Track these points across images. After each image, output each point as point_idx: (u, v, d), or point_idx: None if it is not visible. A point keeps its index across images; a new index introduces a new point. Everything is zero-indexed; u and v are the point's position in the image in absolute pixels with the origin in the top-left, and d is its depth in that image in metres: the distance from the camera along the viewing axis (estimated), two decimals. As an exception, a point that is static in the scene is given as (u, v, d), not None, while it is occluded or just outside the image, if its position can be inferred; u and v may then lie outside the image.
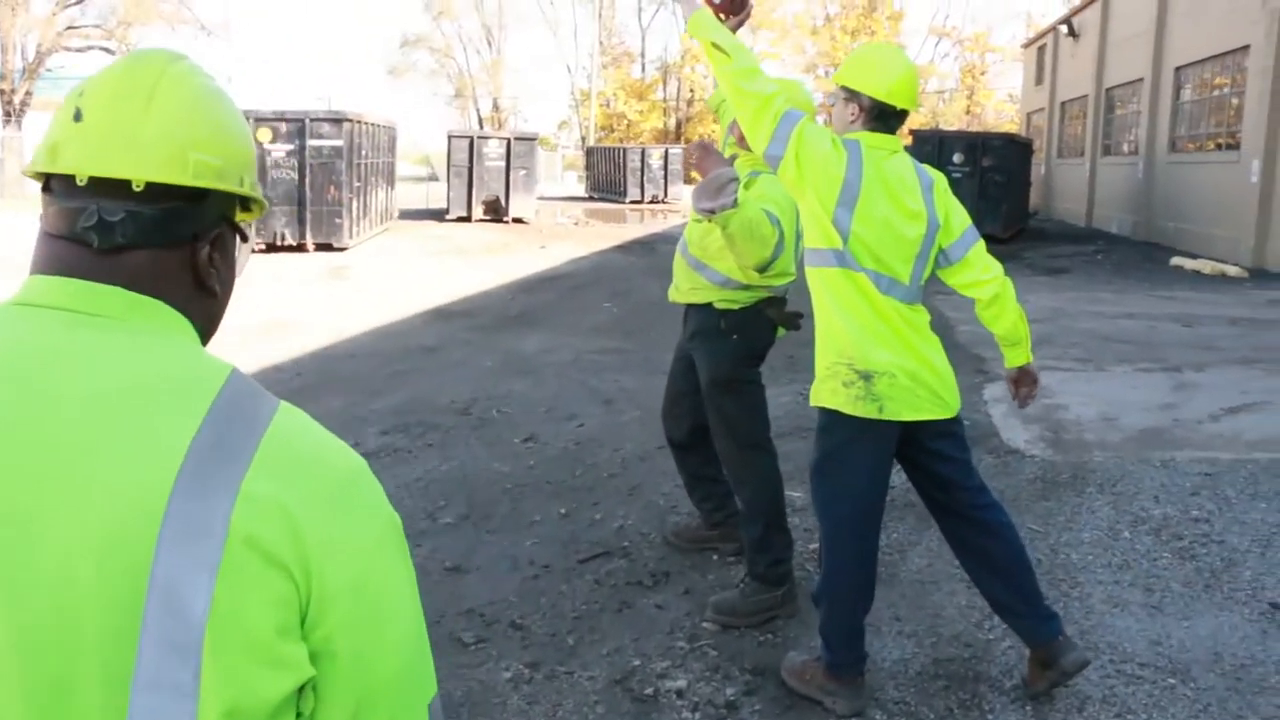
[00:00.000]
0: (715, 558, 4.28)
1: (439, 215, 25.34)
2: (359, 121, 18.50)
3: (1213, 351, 8.77)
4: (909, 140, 22.13)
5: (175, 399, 0.90)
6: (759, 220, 3.25)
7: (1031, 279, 14.80)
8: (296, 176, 17.40)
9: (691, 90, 55.57)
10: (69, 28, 39.60)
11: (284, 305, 11.60)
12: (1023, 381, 3.16)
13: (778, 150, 2.85)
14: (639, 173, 34.22)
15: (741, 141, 3.65)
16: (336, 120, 17.64)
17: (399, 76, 60.43)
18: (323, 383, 7.69)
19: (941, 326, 9.34)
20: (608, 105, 55.38)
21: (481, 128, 54.00)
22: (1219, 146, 18.97)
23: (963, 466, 3.02)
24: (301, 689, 0.88)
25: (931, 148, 20.55)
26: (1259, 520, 4.64)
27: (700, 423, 4.01)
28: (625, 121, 54.45)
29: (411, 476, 5.44)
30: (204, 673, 0.82)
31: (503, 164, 24.63)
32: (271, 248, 17.24)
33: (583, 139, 53.03)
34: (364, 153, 18.93)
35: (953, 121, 52.27)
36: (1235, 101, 18.17)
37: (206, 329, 1.06)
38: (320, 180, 17.45)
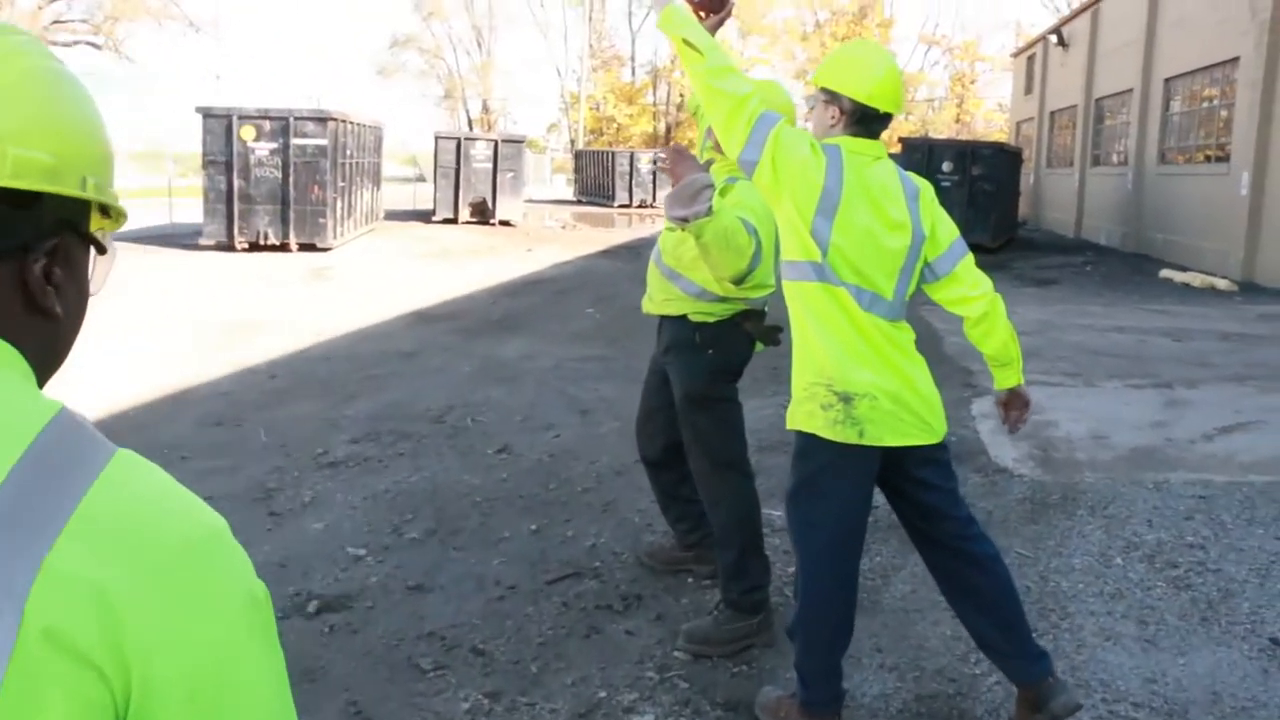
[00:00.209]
0: (690, 580, 4.09)
1: (425, 216, 25.12)
2: (344, 121, 18.28)
3: (1205, 367, 8.62)
4: (898, 148, 22.04)
5: None
6: (735, 229, 3.07)
7: (1020, 290, 14.67)
8: (280, 175, 17.19)
9: (681, 95, 55.32)
10: (55, 22, 39.34)
11: (263, 305, 11.39)
12: (1013, 404, 2.97)
13: (752, 155, 2.66)
14: (627, 176, 34.08)
15: (719, 146, 3.46)
16: (321, 119, 17.42)
17: (388, 76, 60.17)
18: (297, 386, 7.48)
19: (928, 338, 9.20)
20: (597, 109, 55.19)
21: (471, 129, 53.78)
22: (1208, 158, 18.89)
23: (948, 495, 2.82)
24: None
25: (921, 156, 20.46)
26: (1256, 548, 4.47)
27: (675, 440, 3.82)
28: (615, 125, 54.25)
29: (379, 487, 5.24)
30: None
31: (490, 166, 24.45)
32: (254, 247, 17.04)
33: (572, 142, 52.83)
34: (349, 152, 18.71)
35: (942, 130, 52.21)
36: (1225, 113, 18.08)
37: (45, 360, 0.87)
38: (304, 179, 17.25)
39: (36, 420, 0.76)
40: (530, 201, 31.47)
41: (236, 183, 16.97)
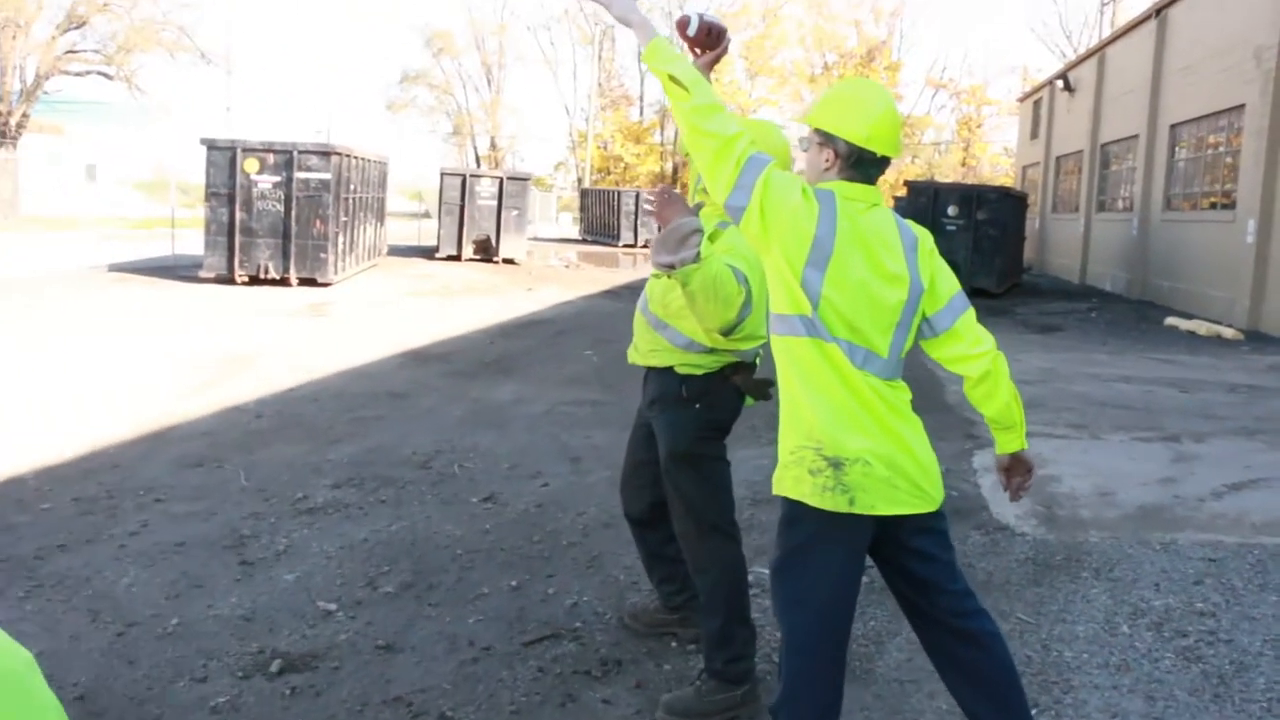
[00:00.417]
0: (674, 644, 3.88)
1: (429, 253, 25.08)
2: (348, 155, 18.24)
3: (1212, 420, 8.41)
4: (903, 191, 21.98)
5: None
6: (724, 278, 2.90)
7: (1024, 336, 14.51)
8: (283, 209, 17.14)
9: (687, 135, 55.50)
10: (68, 52, 39.57)
11: (257, 341, 11.24)
12: (1016, 470, 2.78)
13: (740, 200, 2.49)
14: (633, 216, 34.03)
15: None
16: (325, 153, 17.39)
17: (397, 111, 60.51)
18: (282, 426, 7.30)
19: (928, 385, 9.01)
20: (605, 147, 55.39)
21: (479, 166, 54.04)
22: (1214, 205, 18.78)
23: (945, 568, 2.62)
24: None
25: (926, 199, 20.42)
26: (1270, 616, 4.25)
27: (661, 496, 3.62)
28: (622, 164, 54.40)
29: (358, 536, 5.05)
30: None
31: (495, 203, 24.43)
32: (255, 280, 16.95)
33: (579, 180, 52.97)
34: (352, 187, 18.66)
35: (948, 173, 52.32)
36: (1230, 160, 18.00)
37: None
38: (306, 213, 17.18)
39: None
40: (535, 239, 31.49)
41: (239, 215, 16.91)
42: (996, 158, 54.78)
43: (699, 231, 2.88)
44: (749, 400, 3.45)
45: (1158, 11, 21.73)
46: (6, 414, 7.32)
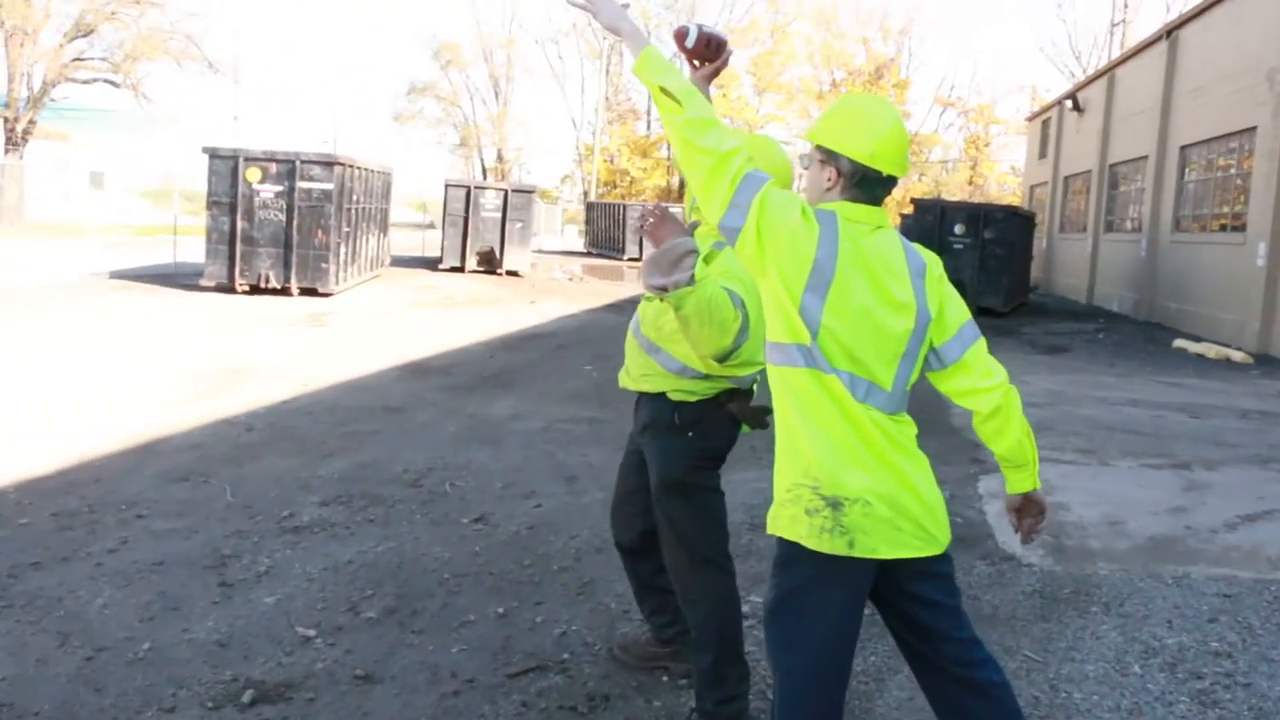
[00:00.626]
0: (665, 679, 3.71)
1: (432, 264, 24.97)
2: (351, 165, 18.15)
3: (1224, 448, 8.23)
4: (910, 209, 21.84)
5: None
6: (719, 301, 2.75)
7: (1030, 357, 14.33)
8: (284, 218, 17.04)
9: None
10: (76, 60, 39.67)
11: (254, 351, 11.11)
12: (1027, 511, 2.61)
13: (735, 221, 2.33)
14: (638, 230, 33.90)
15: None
16: (328, 163, 17.30)
17: (404, 123, 60.52)
18: (273, 440, 7.16)
19: (934, 407, 8.81)
20: (611, 161, 55.34)
21: (485, 178, 54.01)
22: (1224, 227, 18.63)
23: (950, 614, 2.46)
24: None
25: (933, 218, 20.29)
26: (1288, 659, 4.08)
27: (652, 526, 3.46)
28: (628, 178, 54.33)
29: (343, 558, 4.89)
30: None
31: (499, 215, 24.33)
32: (255, 290, 16.85)
33: (585, 194, 52.92)
34: (355, 197, 18.56)
35: (955, 192, 52.16)
36: (1241, 183, 17.85)
37: None
38: (308, 223, 17.09)
39: None
40: (540, 252, 31.37)
41: (240, 224, 16.82)
42: (1004, 177, 54.63)
43: (694, 253, 2.73)
44: (745, 428, 3.29)
45: (1169, 33, 21.63)
46: (-7, 424, 7.18)
